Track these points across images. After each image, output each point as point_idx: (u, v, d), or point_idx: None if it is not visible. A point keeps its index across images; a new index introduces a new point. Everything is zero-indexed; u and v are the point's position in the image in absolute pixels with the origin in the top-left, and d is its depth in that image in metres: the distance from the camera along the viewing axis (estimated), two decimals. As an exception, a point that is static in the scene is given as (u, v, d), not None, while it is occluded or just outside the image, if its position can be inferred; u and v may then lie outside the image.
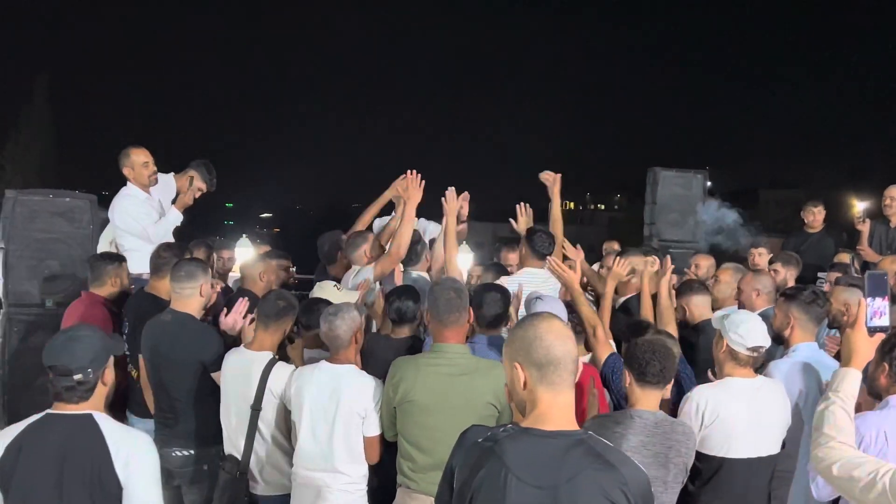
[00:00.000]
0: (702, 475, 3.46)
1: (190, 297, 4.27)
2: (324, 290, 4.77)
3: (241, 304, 4.44)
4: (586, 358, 4.25)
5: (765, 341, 3.56)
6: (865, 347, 2.72)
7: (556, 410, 2.06)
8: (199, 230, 7.92)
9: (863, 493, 2.37)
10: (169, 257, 4.74)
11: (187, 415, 4.19)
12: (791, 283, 5.57)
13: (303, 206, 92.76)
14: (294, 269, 6.20)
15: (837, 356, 4.15)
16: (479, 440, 2.10)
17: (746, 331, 3.51)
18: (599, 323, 4.28)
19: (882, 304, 2.73)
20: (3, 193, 5.55)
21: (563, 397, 2.08)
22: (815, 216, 7.63)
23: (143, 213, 5.80)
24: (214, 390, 4.13)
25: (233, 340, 4.34)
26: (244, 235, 9.98)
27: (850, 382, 2.67)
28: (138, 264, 5.47)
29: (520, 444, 2.02)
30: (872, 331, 2.71)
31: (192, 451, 4.19)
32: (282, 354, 4.19)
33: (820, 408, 2.67)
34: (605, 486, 1.94)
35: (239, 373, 4.02)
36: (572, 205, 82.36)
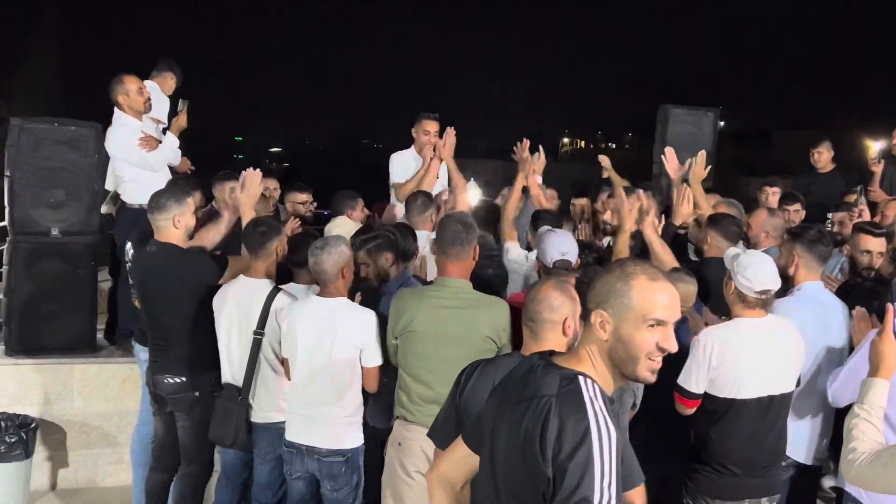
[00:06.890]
0: (713, 416, 3.45)
1: (165, 228, 4.19)
2: (342, 225, 4.74)
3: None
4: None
5: (773, 284, 3.46)
6: (894, 355, 2.55)
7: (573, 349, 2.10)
8: (209, 165, 7.83)
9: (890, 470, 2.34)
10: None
11: (180, 342, 4.19)
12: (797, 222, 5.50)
13: (312, 140, 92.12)
14: (314, 204, 6.16)
15: (839, 293, 4.15)
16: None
17: (754, 274, 3.42)
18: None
19: None
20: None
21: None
22: (817, 157, 7.54)
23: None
24: (208, 317, 4.14)
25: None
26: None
27: (877, 393, 2.54)
28: (137, 195, 5.46)
29: (519, 365, 2.11)
30: None
31: (185, 378, 4.18)
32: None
33: (849, 424, 2.56)
34: (527, 418, 1.88)
35: (241, 300, 4.04)
36: (583, 143, 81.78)
